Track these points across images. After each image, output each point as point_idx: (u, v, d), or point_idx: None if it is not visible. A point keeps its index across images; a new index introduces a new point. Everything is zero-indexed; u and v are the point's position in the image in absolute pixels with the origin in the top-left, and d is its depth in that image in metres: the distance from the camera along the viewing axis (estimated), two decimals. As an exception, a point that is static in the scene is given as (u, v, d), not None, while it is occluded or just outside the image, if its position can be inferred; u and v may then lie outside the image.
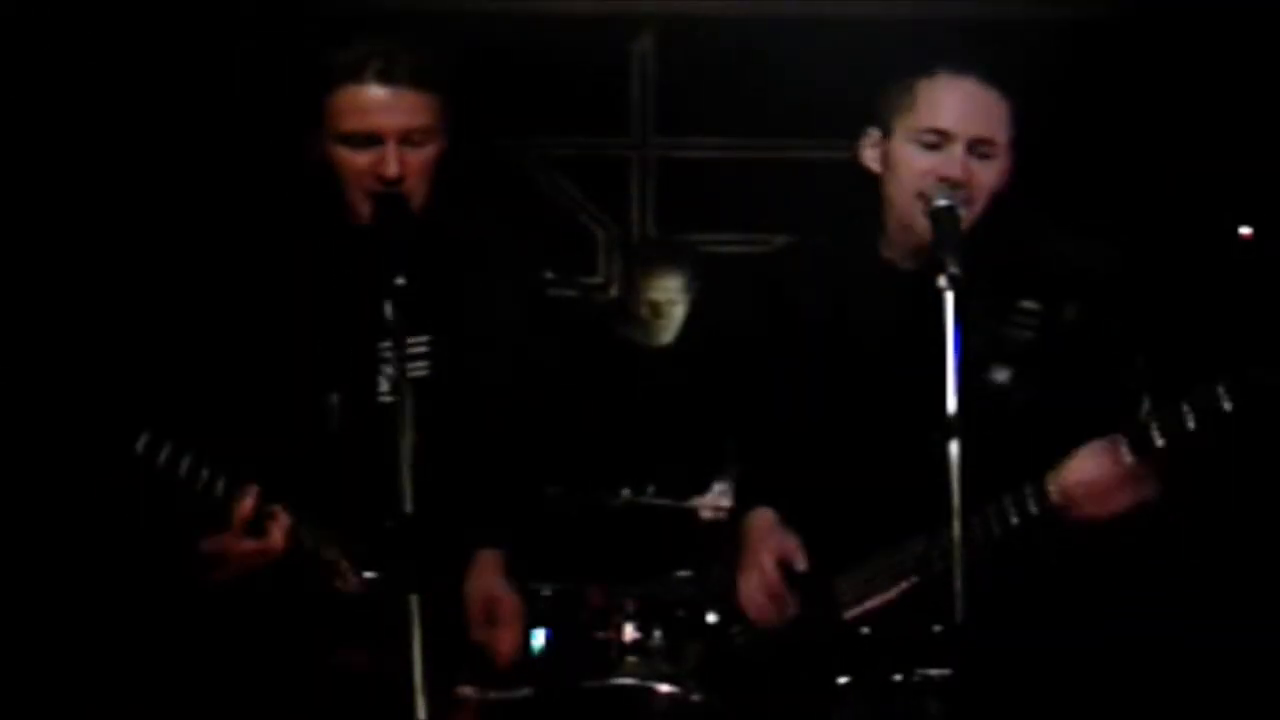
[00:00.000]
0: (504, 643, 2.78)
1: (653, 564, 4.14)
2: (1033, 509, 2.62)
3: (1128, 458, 2.55)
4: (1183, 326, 4.74)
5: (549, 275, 5.15)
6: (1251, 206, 5.09)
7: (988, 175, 2.69)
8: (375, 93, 2.63)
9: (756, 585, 2.90)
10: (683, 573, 4.18)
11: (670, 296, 4.57)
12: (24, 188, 4.82)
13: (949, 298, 2.48)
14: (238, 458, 2.57)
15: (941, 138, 2.68)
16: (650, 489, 4.17)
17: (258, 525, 2.53)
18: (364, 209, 2.66)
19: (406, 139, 2.64)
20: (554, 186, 5.53)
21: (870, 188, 2.85)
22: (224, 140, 5.04)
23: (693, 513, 4.20)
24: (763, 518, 2.93)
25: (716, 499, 4.22)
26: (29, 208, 4.82)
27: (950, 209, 2.63)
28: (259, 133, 4.94)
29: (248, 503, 2.52)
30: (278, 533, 2.55)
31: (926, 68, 2.72)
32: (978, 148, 2.67)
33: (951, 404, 2.45)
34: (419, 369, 2.71)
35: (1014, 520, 2.63)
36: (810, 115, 5.40)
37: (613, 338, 4.73)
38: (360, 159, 2.64)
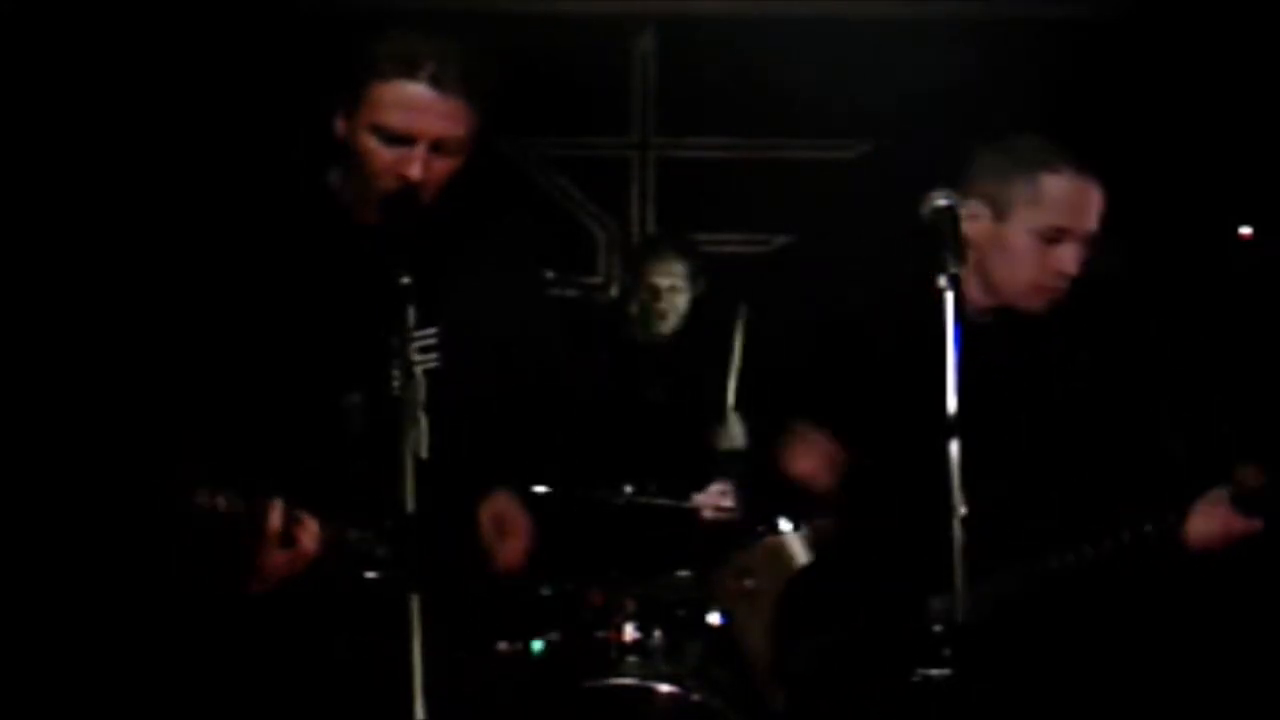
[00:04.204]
0: (509, 552, 2.86)
1: (653, 564, 4.14)
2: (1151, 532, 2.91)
3: (1237, 516, 2.84)
4: (1186, 327, 4.77)
5: (549, 275, 5.19)
6: (1251, 206, 5.10)
7: (1074, 265, 2.89)
8: (424, 94, 2.59)
9: (805, 449, 3.07)
10: (683, 573, 4.18)
11: (673, 283, 4.56)
12: (25, 194, 4.83)
13: (949, 297, 2.51)
14: (256, 463, 2.58)
15: (1061, 234, 2.86)
16: (651, 487, 4.16)
17: (287, 536, 2.54)
18: (372, 204, 2.64)
19: (439, 145, 2.62)
20: (554, 186, 5.53)
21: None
22: (227, 141, 5.04)
23: (693, 512, 4.20)
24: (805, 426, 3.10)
25: (717, 498, 4.22)
26: (30, 212, 4.83)
27: (950, 208, 2.64)
28: (263, 134, 4.96)
29: (275, 518, 2.52)
30: (307, 540, 2.55)
31: (1053, 164, 2.86)
32: (1088, 240, 2.88)
33: (951, 404, 2.49)
34: (430, 361, 2.70)
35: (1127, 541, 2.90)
36: (810, 115, 5.41)
37: (617, 335, 4.72)
38: (387, 154, 2.60)
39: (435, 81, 2.59)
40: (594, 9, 5.52)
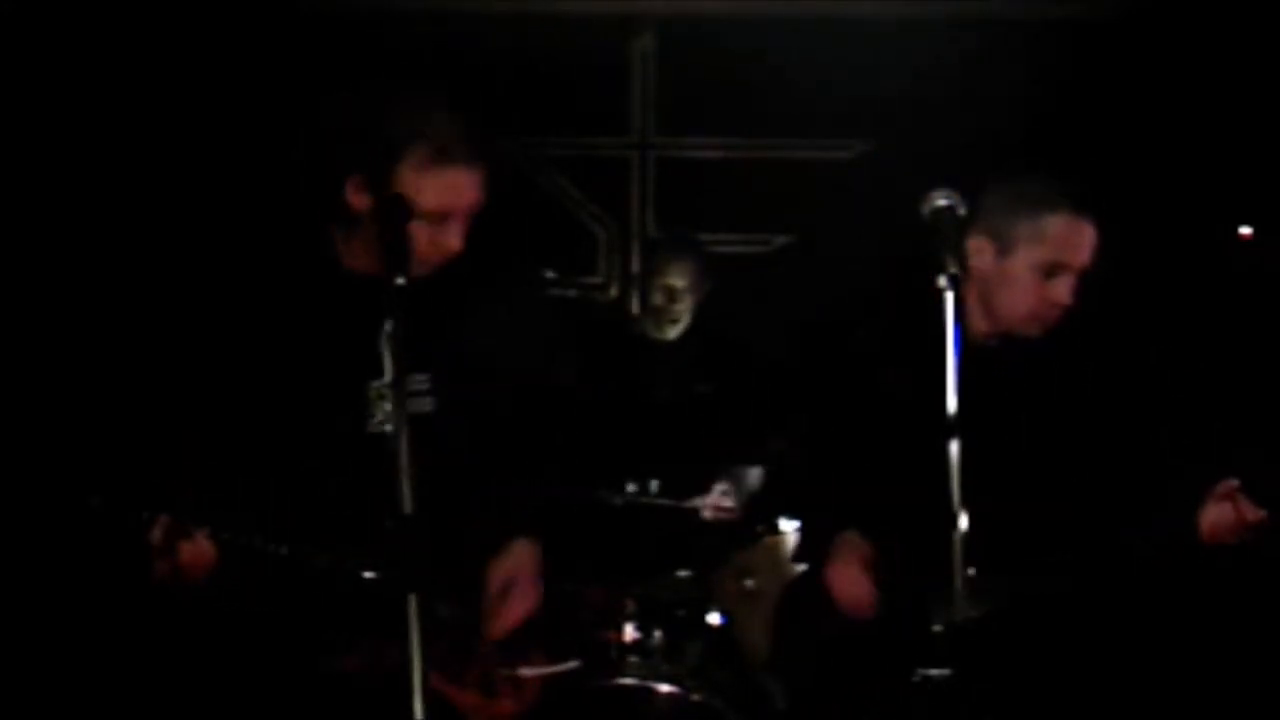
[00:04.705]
0: (500, 617, 2.83)
1: (653, 564, 4.14)
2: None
3: (1248, 504, 2.95)
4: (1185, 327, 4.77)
5: (549, 274, 5.20)
6: (1251, 206, 5.10)
7: (1070, 295, 3.07)
8: (462, 177, 2.68)
9: (849, 573, 3.08)
10: (683, 573, 4.18)
11: (687, 283, 4.56)
12: (20, 199, 4.84)
13: (949, 298, 2.55)
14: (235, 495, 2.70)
15: (1059, 268, 3.03)
16: (653, 487, 4.16)
17: (169, 549, 2.63)
18: (368, 257, 2.72)
19: (469, 213, 2.72)
20: (554, 186, 5.53)
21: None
22: (226, 145, 5.05)
23: (693, 512, 4.20)
24: (854, 535, 3.14)
25: (718, 499, 4.22)
26: (25, 219, 4.85)
27: (950, 208, 2.65)
28: (262, 139, 4.97)
29: (156, 531, 2.63)
30: (187, 553, 2.64)
31: (1053, 205, 3.03)
32: (1082, 273, 3.05)
33: (951, 404, 2.51)
34: (422, 406, 2.76)
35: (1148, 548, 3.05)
36: (810, 115, 5.41)
37: (620, 335, 4.72)
38: (425, 231, 2.67)
39: (467, 160, 2.68)
40: (594, 9, 5.52)
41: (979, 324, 3.09)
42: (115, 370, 4.50)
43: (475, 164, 2.69)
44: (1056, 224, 3.02)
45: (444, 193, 2.67)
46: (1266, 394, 4.67)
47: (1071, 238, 3.02)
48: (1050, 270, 3.02)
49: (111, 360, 4.56)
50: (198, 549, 2.64)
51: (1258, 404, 4.63)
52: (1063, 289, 3.03)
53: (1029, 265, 3.03)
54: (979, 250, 3.06)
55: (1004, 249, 3.05)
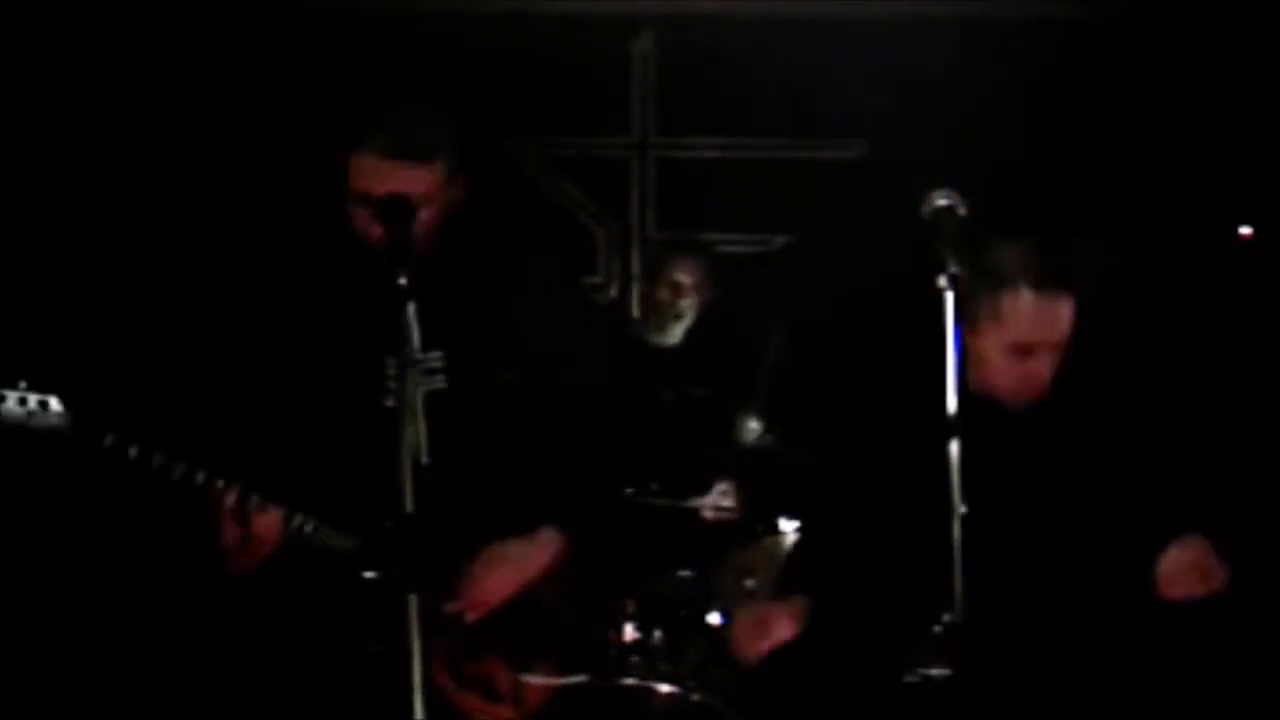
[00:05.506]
0: (464, 598, 2.83)
1: (653, 564, 4.13)
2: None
3: (1209, 554, 2.86)
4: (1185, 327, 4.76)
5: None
6: (1251, 206, 5.10)
7: (1051, 369, 2.90)
8: (377, 164, 2.76)
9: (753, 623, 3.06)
10: (683, 573, 4.18)
11: (693, 281, 4.57)
12: (25, 198, 4.85)
13: (949, 298, 2.55)
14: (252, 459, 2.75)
15: (1030, 347, 2.86)
16: (652, 488, 4.16)
17: (243, 516, 2.68)
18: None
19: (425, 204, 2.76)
20: (554, 186, 5.53)
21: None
22: (226, 143, 5.06)
23: (693, 512, 4.20)
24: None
25: (718, 499, 4.22)
26: (29, 216, 4.86)
27: (950, 208, 2.66)
28: (262, 137, 4.98)
29: (230, 495, 2.68)
30: (260, 525, 2.69)
31: (1011, 281, 2.84)
32: (1060, 347, 2.88)
33: (951, 404, 2.51)
34: (436, 383, 2.80)
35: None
36: (810, 115, 5.40)
37: (620, 335, 4.72)
38: (361, 214, 2.78)
39: (387, 151, 2.75)
40: (594, 9, 5.52)
41: (974, 384, 2.89)
42: (150, 345, 4.51)
43: (397, 155, 2.74)
44: (1015, 303, 2.83)
45: (359, 176, 2.76)
46: (1266, 394, 4.67)
47: (1035, 316, 2.84)
48: (1019, 350, 2.85)
49: (143, 337, 4.58)
50: (267, 523, 2.70)
51: (1257, 410, 4.63)
52: (1038, 366, 2.86)
53: (997, 346, 2.86)
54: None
55: (972, 329, 2.84)
